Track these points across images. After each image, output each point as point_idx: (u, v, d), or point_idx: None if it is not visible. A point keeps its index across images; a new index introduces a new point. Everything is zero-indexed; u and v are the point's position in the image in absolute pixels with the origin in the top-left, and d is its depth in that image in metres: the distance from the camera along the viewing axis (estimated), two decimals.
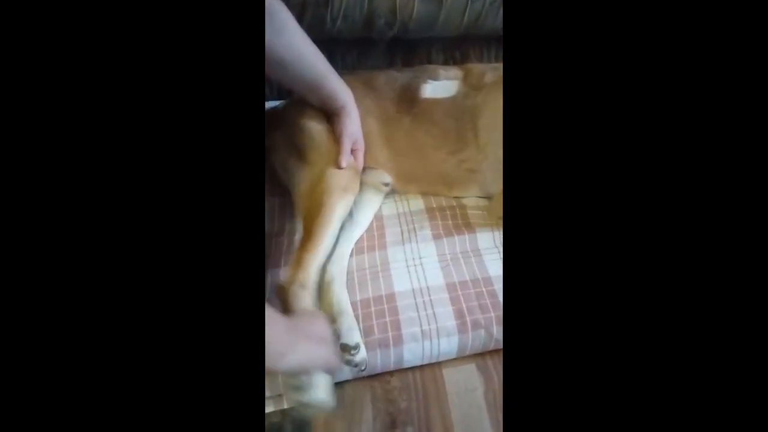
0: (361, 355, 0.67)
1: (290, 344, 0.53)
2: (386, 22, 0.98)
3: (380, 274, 0.78)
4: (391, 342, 0.69)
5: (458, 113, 0.88)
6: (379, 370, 0.69)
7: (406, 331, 0.69)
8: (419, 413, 0.65)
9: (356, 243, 0.84)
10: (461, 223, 0.86)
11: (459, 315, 0.71)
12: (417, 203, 0.91)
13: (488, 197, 0.90)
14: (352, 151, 0.83)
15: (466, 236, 0.83)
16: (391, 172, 0.91)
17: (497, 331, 0.70)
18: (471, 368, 0.70)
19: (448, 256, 0.80)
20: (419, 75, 0.92)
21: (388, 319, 0.71)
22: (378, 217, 0.89)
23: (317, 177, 0.79)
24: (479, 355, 0.71)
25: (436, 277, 0.77)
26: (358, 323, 0.70)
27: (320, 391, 0.61)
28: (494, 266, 0.78)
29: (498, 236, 0.83)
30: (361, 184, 0.84)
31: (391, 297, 0.74)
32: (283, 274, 0.71)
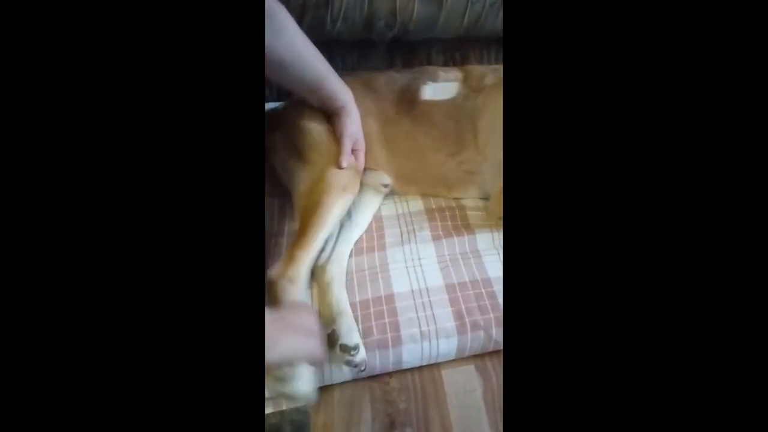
0: (361, 355, 0.67)
1: (275, 336, 0.54)
2: (386, 23, 0.98)
3: (379, 275, 0.78)
4: (390, 343, 0.69)
5: (458, 115, 0.88)
6: (378, 371, 0.69)
7: (405, 332, 0.70)
8: (418, 414, 0.65)
9: (356, 244, 0.84)
10: (460, 224, 0.86)
11: (458, 316, 0.71)
12: (416, 204, 0.91)
13: (487, 198, 0.90)
14: (353, 151, 0.83)
15: (466, 237, 0.83)
16: (390, 173, 0.91)
17: (496, 333, 0.70)
18: (470, 369, 0.70)
19: (448, 258, 0.80)
20: (419, 76, 0.92)
21: (387, 320, 0.71)
22: (377, 218, 0.89)
23: (317, 176, 0.79)
24: (478, 356, 0.71)
25: (435, 279, 0.77)
26: (358, 324, 0.70)
27: (302, 384, 0.61)
28: (493, 267, 0.78)
29: (497, 237, 0.83)
30: (361, 184, 0.84)
31: (390, 298, 0.74)
32: (274, 268, 0.71)
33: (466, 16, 0.99)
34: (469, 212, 0.89)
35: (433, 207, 0.90)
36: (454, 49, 1.11)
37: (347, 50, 1.07)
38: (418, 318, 0.71)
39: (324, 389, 0.68)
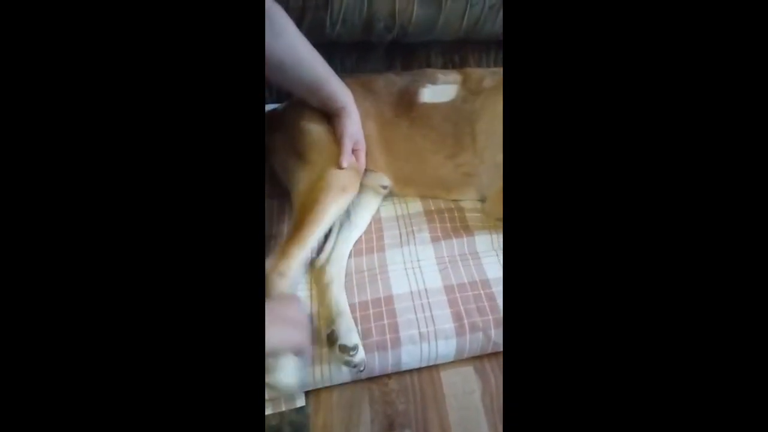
0: (360, 355, 0.67)
1: None
2: (385, 25, 0.98)
3: (378, 276, 0.78)
4: (389, 344, 0.69)
5: (456, 118, 0.88)
6: (377, 372, 0.69)
7: (404, 333, 0.70)
8: (417, 415, 0.65)
9: (355, 245, 0.84)
10: (459, 225, 0.86)
11: (457, 318, 0.71)
12: (415, 206, 0.91)
13: (485, 200, 0.90)
14: (354, 151, 0.83)
15: (465, 239, 0.83)
16: (389, 175, 0.91)
17: (495, 334, 0.70)
18: (469, 371, 0.70)
19: (447, 259, 0.80)
20: (418, 79, 0.93)
21: (386, 321, 0.71)
22: (376, 220, 0.89)
23: (317, 176, 0.80)
24: (477, 358, 0.71)
25: (434, 280, 0.77)
26: (357, 325, 0.70)
27: (285, 374, 0.61)
28: (492, 269, 0.78)
29: (496, 239, 0.83)
30: (360, 186, 0.84)
31: (389, 299, 0.74)
32: (267, 262, 0.72)
33: (465, 18, 1.00)
34: (467, 214, 0.89)
35: (432, 209, 0.90)
36: (453, 51, 1.11)
37: (346, 52, 1.07)
38: (417, 319, 0.71)
39: (323, 390, 0.68)
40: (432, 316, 0.72)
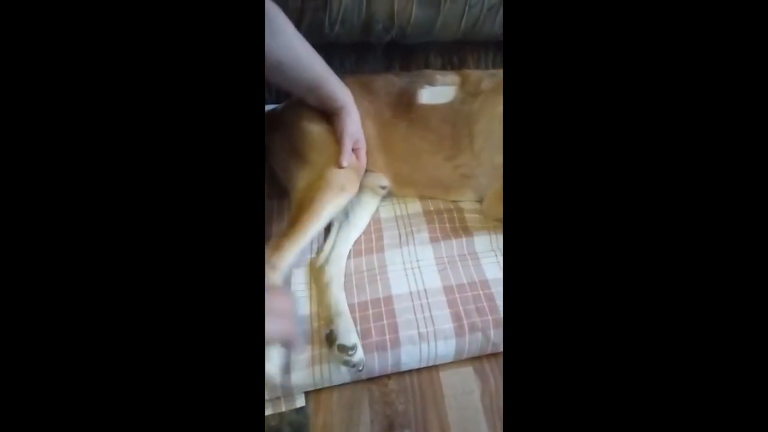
0: (359, 355, 0.67)
1: None
2: (384, 26, 0.99)
3: (378, 276, 0.78)
4: (388, 345, 0.69)
5: (454, 119, 0.88)
6: (376, 373, 0.69)
7: (403, 333, 0.70)
8: (416, 416, 0.65)
9: (354, 246, 0.84)
10: (458, 226, 0.87)
11: (456, 318, 0.71)
12: (414, 206, 0.91)
13: (483, 201, 0.90)
14: (354, 150, 0.83)
15: (464, 239, 0.83)
16: (387, 175, 0.91)
17: (494, 335, 0.70)
18: (468, 371, 0.70)
19: (446, 259, 0.80)
20: (417, 80, 0.93)
21: (385, 321, 0.71)
22: (376, 220, 0.89)
23: (317, 175, 0.80)
24: (476, 359, 0.71)
25: (433, 280, 0.77)
26: (356, 325, 0.70)
27: (271, 365, 0.62)
28: (491, 269, 0.78)
29: (495, 239, 0.83)
30: (359, 186, 0.84)
31: (388, 300, 0.74)
32: None
33: (464, 19, 1.00)
34: (467, 215, 0.89)
35: (431, 209, 0.90)
36: (452, 52, 1.11)
37: (345, 53, 1.07)
38: (416, 320, 0.71)
39: (323, 391, 0.68)
40: (431, 316, 0.72)
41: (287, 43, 0.75)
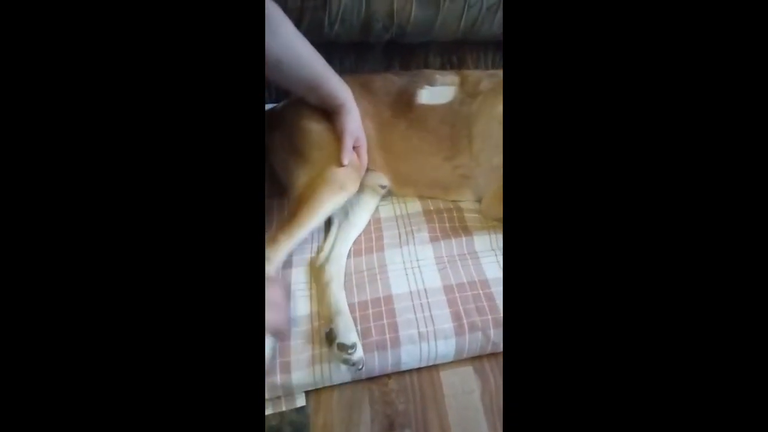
0: (358, 354, 0.67)
1: None
2: (384, 26, 0.99)
3: (378, 276, 0.78)
4: (388, 344, 0.69)
5: (453, 120, 0.88)
6: (376, 372, 0.69)
7: (403, 333, 0.70)
8: (417, 415, 0.65)
9: (354, 245, 0.84)
10: (458, 225, 0.87)
11: (456, 317, 0.71)
12: (414, 206, 0.92)
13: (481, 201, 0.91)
14: (354, 148, 0.83)
15: (463, 239, 0.83)
16: (387, 174, 0.91)
17: (494, 334, 0.70)
18: (468, 371, 0.70)
19: (446, 259, 0.80)
20: (416, 80, 0.93)
21: (385, 321, 0.71)
22: (376, 220, 0.89)
23: (317, 173, 0.80)
24: (476, 358, 0.71)
25: (433, 280, 0.77)
26: (356, 325, 0.70)
27: None
28: (491, 269, 0.78)
29: (495, 239, 0.83)
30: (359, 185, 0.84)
31: (388, 299, 0.74)
32: None
33: (463, 19, 1.00)
34: (466, 214, 0.89)
35: (431, 209, 0.90)
36: (451, 52, 1.11)
37: (345, 52, 1.07)
38: (416, 319, 0.71)
39: (324, 390, 0.68)
40: (431, 315, 0.72)
41: (287, 42, 0.75)
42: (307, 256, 0.82)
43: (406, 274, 0.78)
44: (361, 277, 0.78)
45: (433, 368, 0.71)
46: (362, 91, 0.90)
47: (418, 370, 0.70)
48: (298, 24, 0.77)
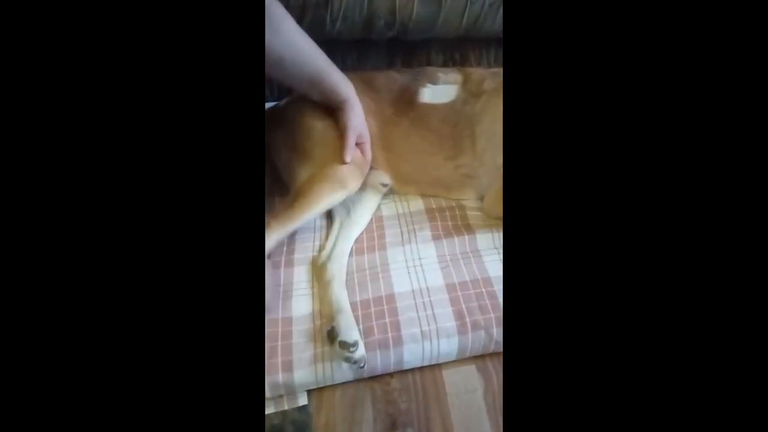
0: (360, 352, 0.66)
1: None
2: (386, 23, 0.98)
3: (380, 274, 0.78)
4: (391, 343, 0.69)
5: (456, 119, 0.88)
6: (379, 371, 0.69)
7: (405, 332, 0.69)
8: (419, 414, 0.65)
9: (356, 243, 0.84)
10: (461, 224, 0.86)
11: (459, 316, 0.71)
12: (417, 204, 0.91)
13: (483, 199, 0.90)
14: (358, 145, 0.83)
15: (466, 237, 0.83)
16: (389, 172, 0.91)
17: (497, 333, 0.70)
18: (471, 369, 0.70)
19: (448, 257, 0.80)
20: (419, 78, 0.92)
21: (387, 320, 0.71)
22: (378, 218, 0.89)
23: (318, 170, 0.80)
24: (479, 357, 0.71)
25: (435, 278, 0.77)
26: (358, 324, 0.70)
27: None
28: (494, 267, 0.78)
29: (497, 237, 0.83)
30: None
31: (390, 298, 0.74)
32: None
33: (465, 16, 1.00)
34: (469, 212, 0.89)
35: (434, 207, 0.90)
36: (454, 49, 1.11)
37: (347, 50, 1.07)
38: (418, 318, 0.71)
39: (326, 389, 0.68)
40: (434, 314, 0.72)
41: (289, 39, 0.74)
42: (309, 254, 0.82)
43: (409, 273, 0.78)
44: (363, 275, 0.78)
45: (436, 367, 0.70)
46: (365, 88, 0.90)
47: (421, 368, 0.70)
48: (299, 21, 0.77)
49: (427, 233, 0.84)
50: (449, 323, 0.70)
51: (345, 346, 0.66)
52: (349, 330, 0.68)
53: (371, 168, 0.88)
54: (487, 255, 0.80)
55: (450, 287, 0.75)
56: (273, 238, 0.75)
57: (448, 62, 1.11)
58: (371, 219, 0.89)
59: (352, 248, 0.83)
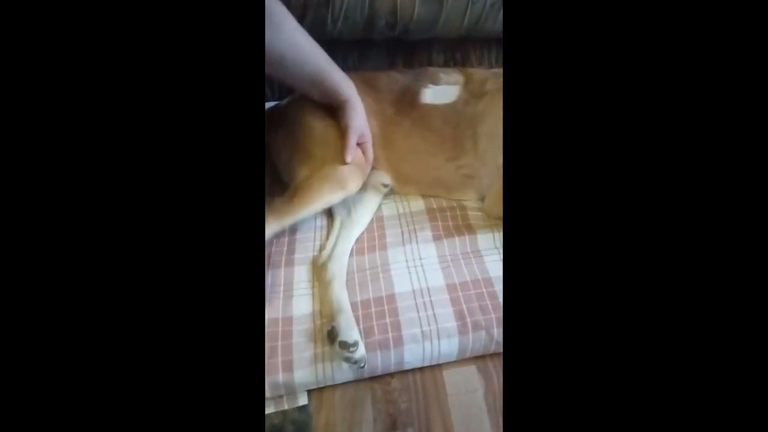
0: (360, 352, 0.66)
1: None
2: (387, 23, 0.98)
3: (381, 275, 0.78)
4: (391, 343, 0.68)
5: (457, 120, 0.88)
6: (379, 371, 0.69)
7: (406, 332, 0.69)
8: (419, 414, 0.65)
9: (357, 243, 0.84)
10: (461, 224, 0.86)
11: (459, 316, 0.71)
12: (417, 204, 0.91)
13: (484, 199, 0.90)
14: (359, 145, 0.83)
15: (467, 237, 0.83)
16: (389, 173, 0.91)
17: (498, 333, 0.70)
18: (471, 370, 0.70)
19: (449, 257, 0.80)
20: (420, 78, 0.92)
21: (388, 320, 0.71)
22: (378, 218, 0.89)
23: (318, 169, 0.80)
24: (479, 357, 0.71)
25: (436, 278, 0.76)
26: (359, 324, 0.70)
27: None
28: (494, 267, 0.78)
29: (498, 237, 0.83)
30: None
31: (391, 298, 0.74)
32: None
33: (467, 16, 1.00)
34: (470, 212, 0.89)
35: (434, 207, 0.90)
36: (455, 49, 1.11)
37: (348, 50, 1.07)
38: (419, 318, 0.71)
39: (326, 389, 0.68)
40: (434, 314, 0.71)
41: (290, 38, 0.74)
42: (309, 254, 0.82)
43: (409, 273, 0.78)
44: (364, 275, 0.78)
45: (436, 367, 0.70)
46: (366, 88, 0.90)
47: (421, 369, 0.70)
48: (300, 21, 0.77)
49: (428, 233, 0.84)
50: (450, 323, 0.70)
51: (345, 346, 0.66)
52: (350, 330, 0.68)
53: (372, 168, 0.88)
54: (488, 255, 0.80)
55: (451, 287, 0.75)
56: (268, 231, 0.75)
57: (450, 62, 1.11)
58: (372, 219, 0.89)
59: (352, 248, 0.83)
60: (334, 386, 0.68)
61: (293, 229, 0.85)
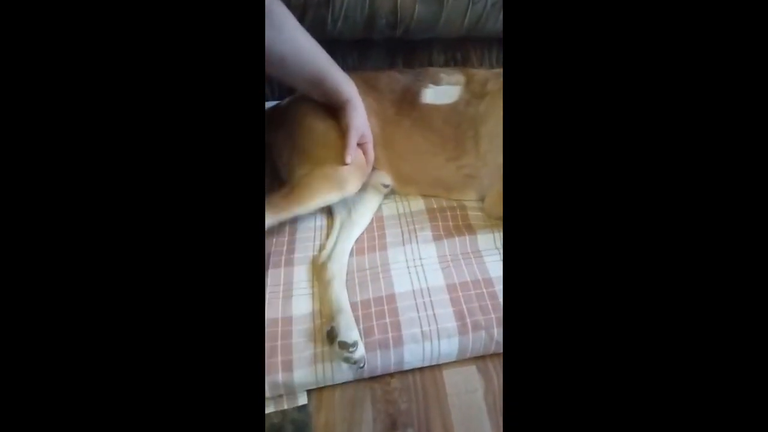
0: (360, 352, 0.66)
1: None
2: (387, 22, 0.98)
3: (381, 275, 0.78)
4: (391, 343, 0.68)
5: (458, 120, 0.88)
6: (379, 371, 0.69)
7: (406, 332, 0.69)
8: (419, 414, 0.65)
9: (357, 243, 0.84)
10: (462, 224, 0.86)
11: (459, 316, 0.71)
12: (417, 204, 0.91)
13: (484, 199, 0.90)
14: (360, 145, 0.83)
15: (467, 237, 0.83)
16: (390, 173, 0.91)
17: (498, 333, 0.70)
18: (471, 370, 0.70)
19: (449, 258, 0.80)
20: (421, 78, 0.92)
21: (388, 320, 0.71)
22: (378, 218, 0.89)
23: (318, 168, 0.80)
24: (479, 357, 0.71)
25: (436, 278, 0.76)
26: (358, 324, 0.70)
27: None
28: (495, 267, 0.78)
29: (498, 237, 0.83)
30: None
31: (391, 298, 0.74)
32: None
33: (467, 16, 1.00)
34: (470, 212, 0.89)
35: (435, 207, 0.90)
36: (456, 48, 1.11)
37: (348, 49, 1.07)
38: (419, 318, 0.71)
39: (325, 389, 0.68)
40: (434, 314, 0.71)
41: (290, 38, 0.74)
42: (309, 254, 0.82)
43: (409, 273, 0.78)
44: (364, 275, 0.78)
45: (436, 367, 0.70)
46: (366, 88, 0.90)
47: (421, 369, 0.70)
48: (300, 21, 0.77)
49: (428, 233, 0.84)
50: (450, 323, 0.70)
51: (344, 346, 0.66)
52: (349, 330, 0.68)
53: (372, 168, 0.88)
54: (488, 255, 0.80)
55: (451, 287, 0.75)
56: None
57: (450, 62, 1.11)
58: (372, 219, 0.89)
59: (352, 248, 0.83)
60: (334, 386, 0.68)
61: (293, 229, 0.85)
